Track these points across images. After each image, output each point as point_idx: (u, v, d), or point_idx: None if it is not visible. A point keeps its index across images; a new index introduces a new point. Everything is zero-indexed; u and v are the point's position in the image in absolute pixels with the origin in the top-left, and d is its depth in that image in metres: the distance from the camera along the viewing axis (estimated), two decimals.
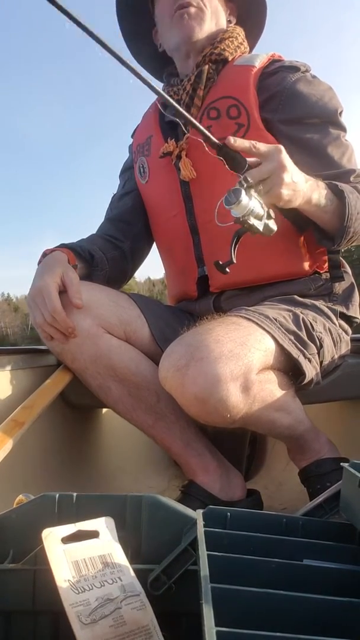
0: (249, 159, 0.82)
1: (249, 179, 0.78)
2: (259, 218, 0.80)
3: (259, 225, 0.80)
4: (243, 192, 0.77)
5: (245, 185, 0.78)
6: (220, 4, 1.15)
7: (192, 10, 1.09)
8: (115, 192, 1.33)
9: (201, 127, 0.75)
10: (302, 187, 0.86)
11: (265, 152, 0.81)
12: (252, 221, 0.79)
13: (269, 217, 0.82)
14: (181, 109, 0.73)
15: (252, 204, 0.78)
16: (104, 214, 1.32)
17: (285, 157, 0.82)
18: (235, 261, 0.83)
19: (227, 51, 1.12)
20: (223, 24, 1.16)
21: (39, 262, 1.06)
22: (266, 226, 0.82)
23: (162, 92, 0.69)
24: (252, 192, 0.79)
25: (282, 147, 0.83)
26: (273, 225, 0.83)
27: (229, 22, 1.19)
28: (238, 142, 0.79)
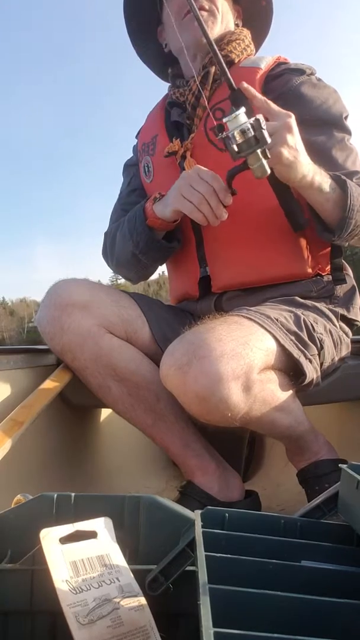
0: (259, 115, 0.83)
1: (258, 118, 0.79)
2: (249, 144, 0.79)
3: (243, 150, 0.79)
4: (243, 108, 0.79)
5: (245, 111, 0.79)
6: (229, 7, 1.16)
7: (204, 14, 1.10)
8: (121, 188, 1.33)
9: (223, 64, 0.85)
10: (302, 160, 0.87)
11: (276, 110, 0.86)
12: (237, 139, 0.78)
13: (264, 154, 0.81)
14: (220, 57, 0.83)
15: (248, 126, 0.78)
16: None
17: (294, 123, 0.85)
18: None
19: (234, 53, 1.12)
20: (231, 27, 1.17)
21: (143, 217, 1.08)
22: (256, 159, 0.80)
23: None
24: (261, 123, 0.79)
25: (292, 115, 0.86)
26: (266, 165, 0.82)
27: (237, 25, 1.20)
28: (251, 89, 0.84)
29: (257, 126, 0.78)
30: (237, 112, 0.78)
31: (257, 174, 0.83)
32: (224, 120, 0.79)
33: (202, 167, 0.97)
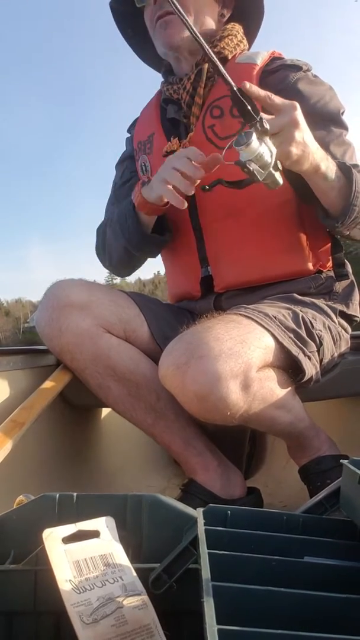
0: (263, 114, 0.80)
1: (265, 124, 0.77)
2: (264, 167, 0.78)
3: (260, 174, 0.78)
4: (254, 135, 0.76)
5: (260, 129, 0.77)
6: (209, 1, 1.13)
7: (170, 17, 1.07)
8: (114, 181, 1.31)
9: (223, 71, 0.76)
10: (311, 150, 0.85)
11: (280, 105, 0.82)
12: (253, 167, 0.77)
13: (275, 168, 0.80)
14: (216, 59, 0.76)
15: (262, 150, 0.77)
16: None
17: (300, 115, 0.82)
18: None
19: (226, 49, 1.11)
20: (211, 22, 1.14)
21: (133, 212, 1.05)
22: (270, 176, 0.80)
23: (205, 46, 0.74)
24: (266, 139, 0.78)
25: (297, 105, 0.83)
26: (279, 177, 0.81)
27: (222, 16, 1.16)
28: (253, 88, 0.79)
29: (271, 150, 0.78)
30: (249, 141, 0.75)
31: (270, 187, 0.82)
32: (235, 147, 0.77)
33: (190, 149, 0.92)
